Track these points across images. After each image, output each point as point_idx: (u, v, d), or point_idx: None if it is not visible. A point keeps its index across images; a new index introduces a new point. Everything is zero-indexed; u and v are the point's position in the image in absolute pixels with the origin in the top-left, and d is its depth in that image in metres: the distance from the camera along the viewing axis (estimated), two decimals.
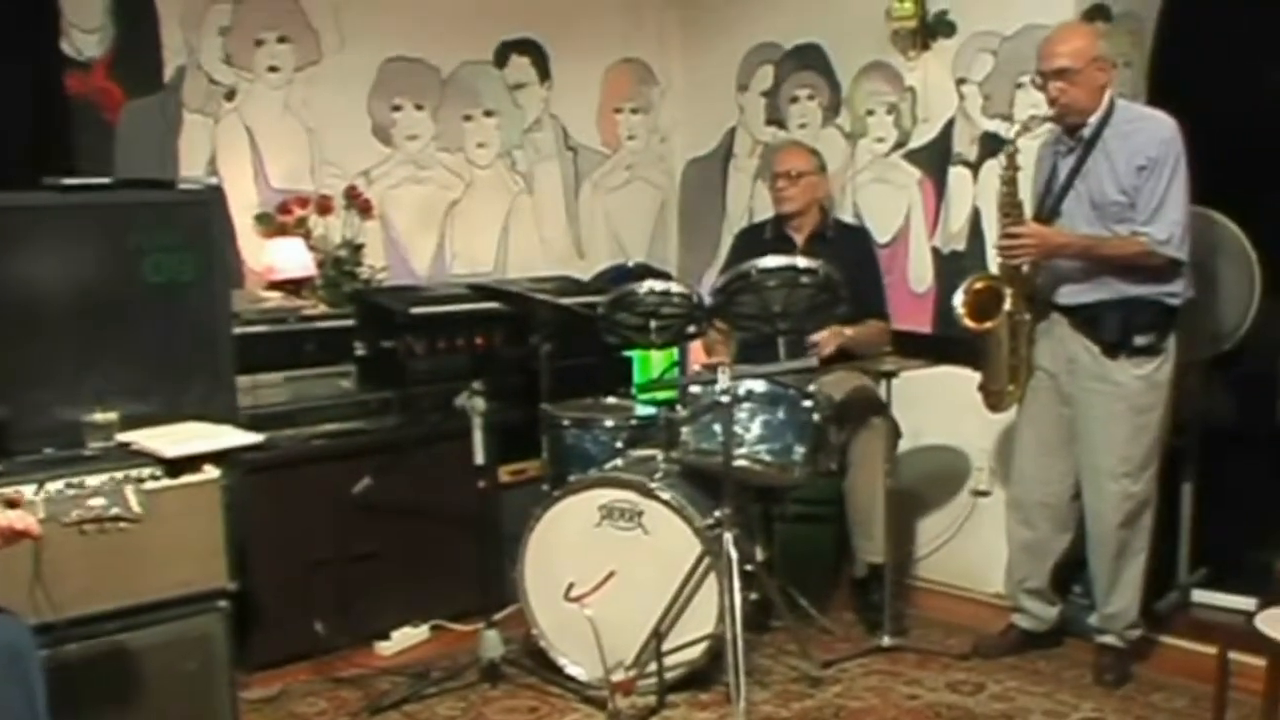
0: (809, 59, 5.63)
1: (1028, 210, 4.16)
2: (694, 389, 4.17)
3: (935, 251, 5.25)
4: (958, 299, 4.18)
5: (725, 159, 6.04)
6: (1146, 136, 3.92)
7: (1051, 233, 4.03)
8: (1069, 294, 4.08)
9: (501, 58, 5.60)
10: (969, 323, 4.15)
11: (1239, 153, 5.95)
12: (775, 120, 5.80)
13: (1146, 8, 4.97)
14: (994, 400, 4.30)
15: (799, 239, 4.89)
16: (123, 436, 3.42)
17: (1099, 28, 4.69)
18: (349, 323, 4.71)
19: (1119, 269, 3.95)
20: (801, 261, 4.17)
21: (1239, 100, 6.52)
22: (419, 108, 5.35)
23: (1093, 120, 4.00)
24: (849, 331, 4.61)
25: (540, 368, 4.43)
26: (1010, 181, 4.11)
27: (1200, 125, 4.17)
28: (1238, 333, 4.66)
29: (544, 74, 5.73)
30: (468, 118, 5.51)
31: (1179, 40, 5.10)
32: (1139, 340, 3.97)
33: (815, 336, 4.53)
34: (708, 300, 4.32)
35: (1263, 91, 6.60)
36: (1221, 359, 4.83)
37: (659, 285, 4.31)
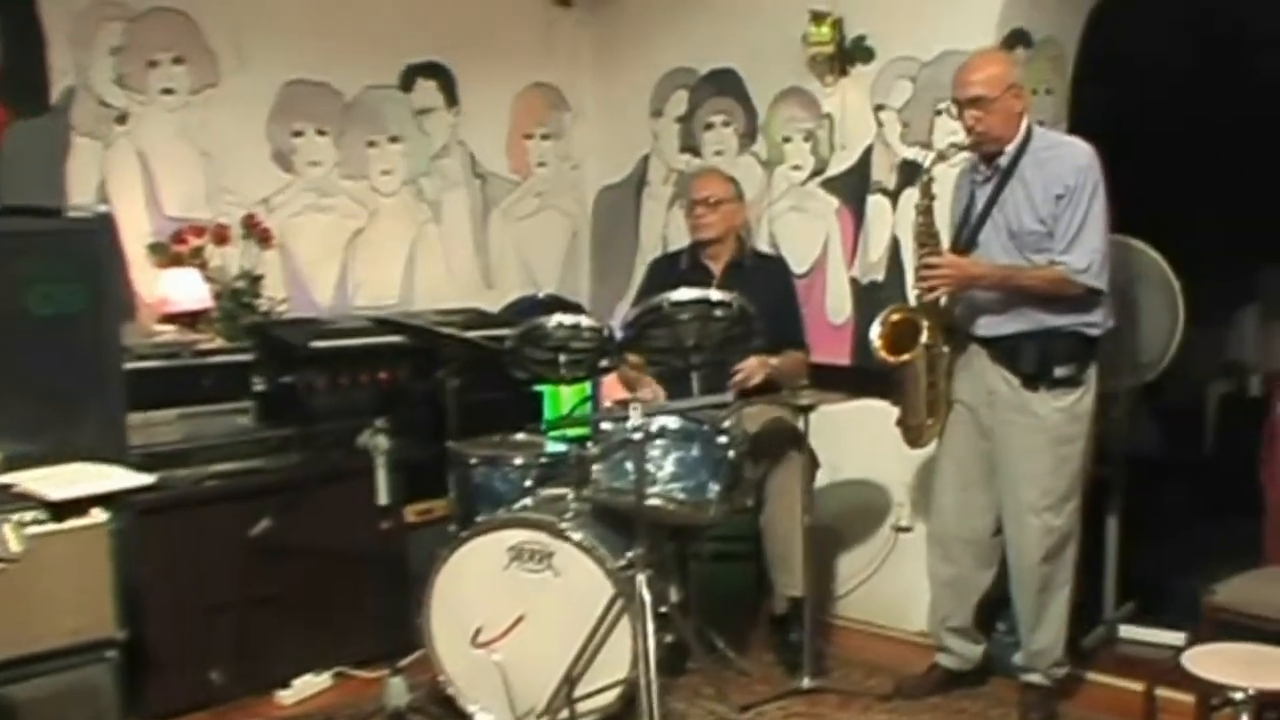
0: (724, 84, 5.68)
1: (945, 240, 4.22)
2: (606, 425, 4.16)
3: (854, 282, 5.30)
4: (874, 332, 4.22)
5: (639, 187, 6.07)
6: (1063, 164, 3.98)
7: (968, 263, 4.08)
8: (987, 325, 4.13)
9: (407, 82, 5.60)
10: (885, 356, 4.19)
11: (1160, 179, 6.13)
12: (690, 147, 5.84)
13: (1067, 34, 5.06)
14: (913, 435, 4.34)
15: (715, 268, 4.92)
16: (4, 479, 3.36)
17: (1018, 55, 4.79)
18: (247, 357, 4.65)
19: (1037, 299, 4.00)
20: (715, 294, 4.17)
21: (1160, 126, 6.72)
22: (321, 133, 5.32)
23: (1009, 148, 4.06)
24: (774, 360, 4.65)
25: (447, 403, 4.40)
26: (926, 211, 4.17)
27: (1122, 152, 4.25)
28: (1161, 362, 4.74)
29: (451, 99, 5.74)
30: (372, 144, 5.50)
31: (1100, 67, 5.22)
32: (1059, 371, 4.03)
33: (741, 366, 4.56)
34: (619, 334, 4.32)
35: (1183, 117, 6.81)
36: (1147, 389, 4.93)
37: (568, 319, 4.30)
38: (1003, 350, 4.10)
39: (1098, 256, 3.96)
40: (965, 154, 4.17)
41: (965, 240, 4.15)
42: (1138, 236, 4.71)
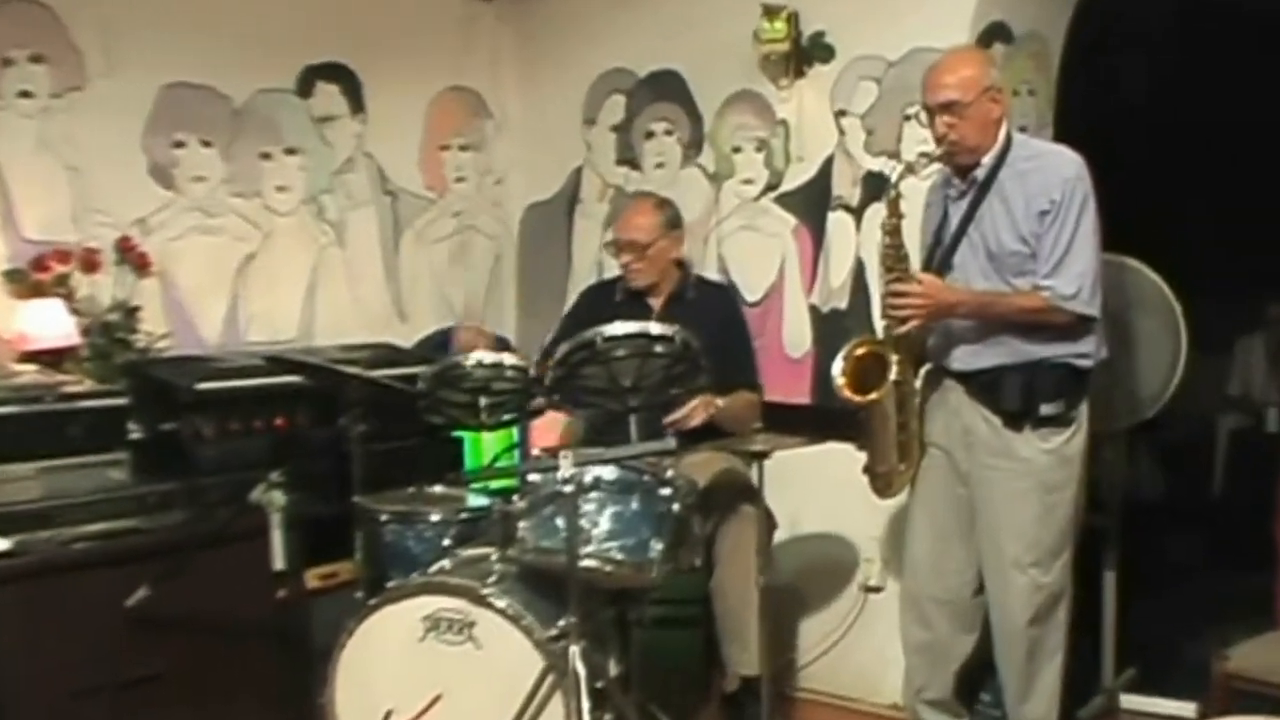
0: (666, 88, 5.72)
1: (915, 263, 4.25)
2: (533, 477, 4.13)
3: (813, 310, 5.35)
4: (837, 367, 4.22)
5: (570, 204, 6.10)
6: (1048, 176, 4.03)
7: (942, 289, 4.11)
8: (964, 358, 4.17)
9: (306, 85, 5.59)
10: (850, 395, 4.20)
11: (1157, 190, 6.20)
12: (628, 159, 5.88)
13: (1052, 27, 5.14)
14: (882, 483, 4.36)
15: (655, 302, 4.95)
16: None
17: (996, 52, 4.85)
18: (121, 401, 4.59)
19: (1020, 328, 4.05)
20: (654, 328, 4.19)
21: (1158, 131, 6.79)
22: (206, 144, 5.30)
23: (986, 159, 4.11)
24: (720, 401, 4.65)
25: (353, 453, 4.38)
26: (893, 231, 4.18)
27: (1113, 160, 4.30)
28: (1162, 396, 4.79)
29: (356, 105, 5.74)
30: (266, 156, 5.49)
31: (1089, 64, 5.29)
32: (1045, 409, 4.06)
33: (683, 409, 4.56)
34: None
35: (1184, 120, 6.87)
36: (1146, 426, 4.97)
37: (489, 356, 4.31)
38: (981, 386, 4.13)
39: (1088, 279, 4.00)
40: (937, 166, 4.22)
41: (938, 263, 4.18)
42: (1133, 255, 4.76)
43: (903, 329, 4.16)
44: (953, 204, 4.18)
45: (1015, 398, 4.06)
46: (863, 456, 4.36)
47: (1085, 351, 4.07)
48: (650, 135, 5.81)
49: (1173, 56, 6.54)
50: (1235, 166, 6.75)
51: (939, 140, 4.08)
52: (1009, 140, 4.13)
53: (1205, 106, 6.80)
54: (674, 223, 5.00)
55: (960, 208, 4.15)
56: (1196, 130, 6.75)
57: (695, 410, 4.58)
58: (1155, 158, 6.13)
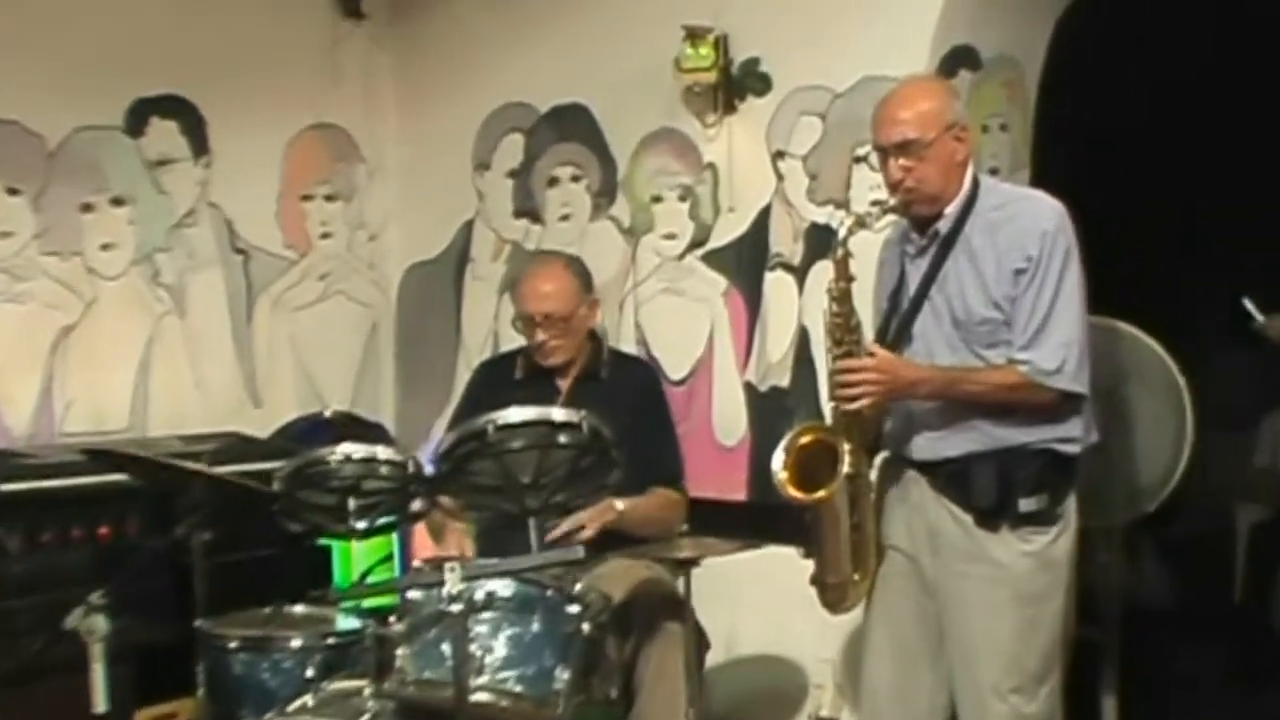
0: (572, 126, 5.75)
1: (868, 333, 4.22)
2: (413, 593, 4.06)
3: (749, 389, 5.36)
4: (778, 459, 4.16)
5: (459, 264, 6.11)
6: (1023, 227, 4.01)
7: (900, 364, 4.08)
8: (927, 445, 4.13)
9: (137, 122, 5.57)
10: (794, 492, 4.14)
11: (1154, 241, 6.24)
12: (527, 210, 5.89)
13: (1026, 51, 5.19)
14: (834, 595, 4.31)
15: (563, 381, 4.94)
16: None
17: (962, 81, 4.90)
18: None
19: (993, 410, 4.03)
20: (557, 414, 4.17)
21: (1154, 171, 6.84)
22: (12, 192, 5.28)
23: (950, 209, 4.09)
24: (621, 505, 4.61)
25: (195, 566, 4.31)
26: (842, 296, 4.14)
27: (1101, 207, 4.31)
28: (1167, 485, 4.79)
29: (199, 146, 5.73)
30: (87, 207, 5.46)
31: (1072, 92, 5.32)
32: (1025, 504, 4.02)
33: (571, 520, 4.54)
34: (430, 468, 4.27)
35: (1186, 158, 6.92)
36: (1149, 520, 4.98)
37: (359, 449, 4.23)
38: (949, 478, 4.10)
39: (1073, 350, 3.99)
40: (892, 217, 4.20)
41: (895, 333, 4.15)
42: (1127, 319, 4.79)
43: (854, 408, 4.12)
44: (911, 263, 4.16)
45: (989, 492, 4.02)
46: (810, 564, 4.31)
47: (1072, 435, 4.04)
48: (554, 182, 5.84)
49: (1172, 82, 6.57)
50: (1252, 209, 6.75)
51: (893, 187, 4.06)
52: (976, 186, 4.11)
53: (1213, 140, 6.79)
54: (588, 284, 4.99)
55: (920, 267, 4.13)
56: (1201, 169, 6.77)
57: (588, 520, 4.56)
58: (1152, 203, 6.15)
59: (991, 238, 4.03)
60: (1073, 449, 4.06)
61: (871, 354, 4.07)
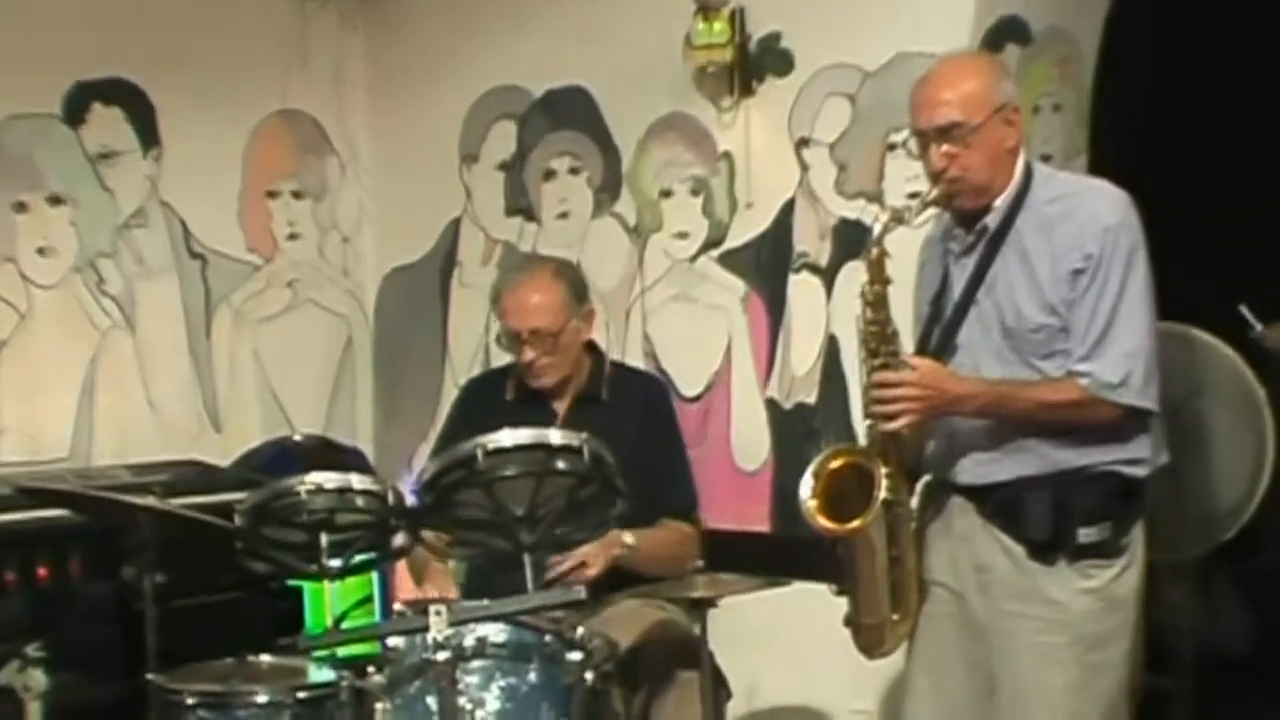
0: (570, 112, 5.75)
1: (907, 343, 4.19)
2: (395, 640, 4.05)
3: (772, 406, 5.36)
4: (806, 486, 4.13)
5: (445, 269, 6.10)
6: (1082, 223, 3.99)
7: (945, 377, 4.05)
8: (974, 469, 4.11)
9: (76, 109, 5.57)
10: (825, 522, 4.10)
11: (1229, 235, 6.18)
12: (521, 208, 5.89)
13: (1082, 22, 5.18)
14: (871, 638, 4.27)
15: (559, 403, 4.92)
16: None
17: (1009, 56, 4.87)
18: None
19: (1049, 429, 4.00)
20: (555, 436, 4.16)
21: (1229, 157, 6.77)
22: None
23: (1000, 202, 4.06)
24: (629, 539, 4.60)
25: (145, 613, 4.28)
26: (877, 301, 4.12)
27: (1168, 200, 4.26)
28: (1245, 511, 4.78)
29: (148, 136, 5.73)
30: (20, 207, 5.47)
31: (1135, 70, 5.27)
32: (1085, 535, 3.99)
33: (574, 555, 4.51)
34: (413, 499, 4.25)
35: (1267, 142, 6.83)
36: (1226, 551, 4.97)
37: (331, 479, 4.18)
38: (999, 506, 4.08)
39: (1139, 360, 3.96)
40: (933, 212, 4.18)
41: (938, 342, 4.14)
42: (1200, 325, 4.77)
43: (893, 428, 4.08)
44: (955, 263, 4.14)
45: (1044, 521, 4.00)
46: (844, 604, 4.27)
47: (1138, 456, 4.02)
48: (550, 175, 5.84)
49: (1255, 58, 6.49)
50: None
51: (935, 176, 4.03)
52: (1029, 175, 4.09)
53: None
54: (581, 294, 4.95)
55: (965, 267, 4.11)
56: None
57: (590, 558, 4.53)
58: (1225, 192, 6.08)
59: (1047, 235, 4.01)
60: (1140, 472, 4.05)
61: (912, 366, 4.04)
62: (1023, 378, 4.03)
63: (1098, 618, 4.02)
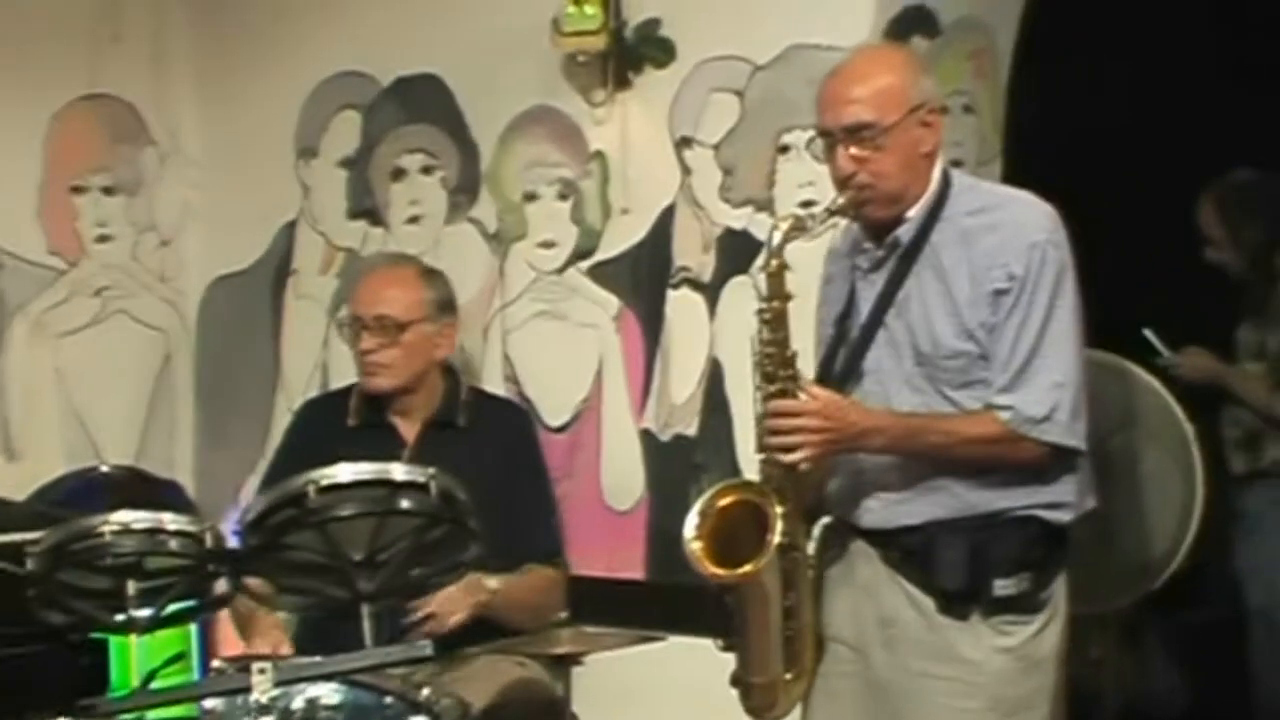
0: (423, 103, 5.70)
1: (808, 368, 4.14)
2: (212, 703, 3.97)
3: (647, 438, 5.34)
4: (691, 526, 4.07)
5: (278, 278, 6.02)
6: (1006, 238, 3.97)
7: (849, 408, 4.00)
8: (882, 511, 4.06)
9: None
10: (711, 568, 4.04)
11: (1156, 251, 6.17)
12: (365, 210, 5.83)
13: (999, 12, 5.19)
14: (761, 699, 4.19)
15: (407, 429, 4.86)
16: None
17: (917, 49, 4.86)
18: None
19: (964, 467, 3.98)
20: (399, 471, 4.07)
21: (1160, 162, 6.78)
22: None
23: (914, 212, 4.03)
24: (493, 584, 4.56)
25: None
26: (776, 321, 4.06)
27: (1094, 212, 4.24)
28: (1173, 559, 4.81)
29: None
30: None
31: (1056, 66, 5.23)
32: (1001, 587, 3.95)
33: (428, 604, 4.47)
34: (236, 541, 4.15)
35: (1197, 144, 6.85)
36: (1155, 601, 5.02)
37: (140, 517, 4.02)
38: (908, 552, 4.03)
39: (1067, 394, 3.93)
40: (837, 221, 4.12)
41: (843, 368, 4.10)
42: (1129, 355, 4.84)
43: (789, 462, 4.02)
44: (863, 279, 4.10)
45: (958, 570, 3.96)
46: (730, 660, 4.20)
47: (1062, 500, 3.99)
48: (400, 174, 5.79)
49: (1192, 44, 6.52)
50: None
51: (842, 182, 3.98)
52: (947, 184, 4.07)
53: (1233, 123, 6.69)
54: (445, 306, 4.94)
55: (874, 285, 4.07)
56: (1217, 154, 6.70)
57: (448, 604, 4.48)
58: (1157, 203, 6.08)
59: (966, 250, 4.00)
60: (1064, 517, 4.03)
61: (812, 395, 4.01)
62: (937, 409, 4.01)
63: (1014, 680, 4.00)
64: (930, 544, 3.98)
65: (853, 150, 3.95)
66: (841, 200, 3.98)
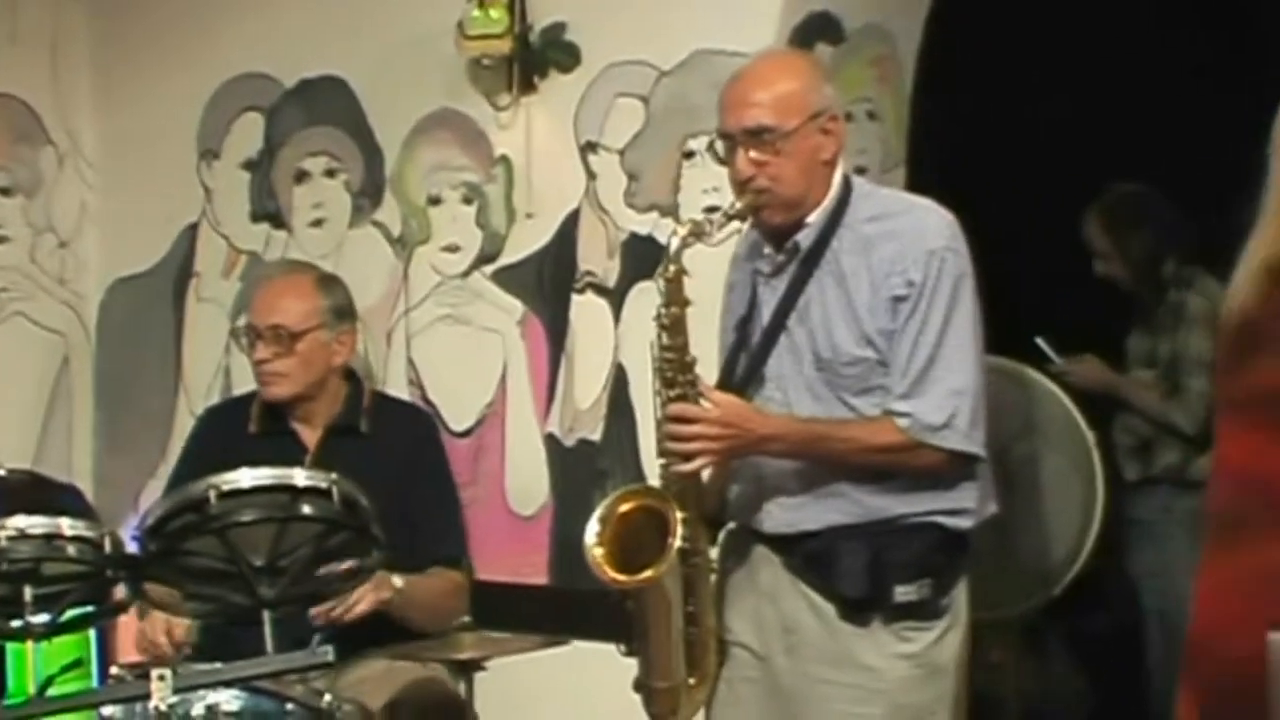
0: (327, 105, 5.71)
1: (709, 373, 4.16)
2: (110, 710, 3.96)
3: (552, 443, 5.37)
4: (592, 533, 4.08)
5: (179, 281, 6.00)
6: (905, 245, 4.00)
7: (749, 414, 4.03)
8: (782, 516, 4.08)
9: None
10: (612, 573, 4.05)
11: (1058, 257, 6.24)
12: (268, 213, 5.83)
13: (903, 20, 5.23)
14: (663, 704, 4.20)
15: (309, 434, 4.85)
16: None
17: (819, 58, 4.88)
18: None
19: (864, 473, 4.01)
20: (301, 477, 4.08)
21: (1064, 170, 6.85)
22: None
23: (814, 218, 4.05)
24: (399, 582, 4.53)
25: None
26: (675, 327, 4.07)
27: (996, 219, 4.24)
28: (1075, 563, 4.86)
29: None
30: None
31: (959, 73, 5.27)
32: (902, 593, 3.98)
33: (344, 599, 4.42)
34: (135, 547, 4.15)
35: (1103, 150, 6.92)
36: (1057, 608, 5.07)
37: (36, 523, 4.02)
38: (808, 558, 4.05)
39: (966, 400, 3.97)
40: (736, 226, 4.16)
41: (744, 373, 4.13)
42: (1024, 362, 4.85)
43: (689, 469, 4.05)
44: (764, 284, 4.14)
45: (858, 576, 4.00)
46: (633, 665, 4.22)
47: (963, 506, 4.04)
48: (303, 177, 5.79)
49: (1086, 58, 6.59)
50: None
51: (741, 185, 4.00)
52: (847, 190, 4.10)
53: (1137, 126, 6.79)
54: (342, 312, 4.91)
55: (775, 290, 4.09)
56: (1120, 159, 6.76)
57: (357, 596, 4.44)
58: (1052, 210, 6.14)
59: (866, 257, 4.03)
60: (964, 523, 4.06)
61: (713, 401, 4.03)
62: (838, 416, 4.04)
63: (915, 687, 4.03)
64: (831, 550, 4.00)
65: (752, 154, 3.97)
66: (739, 204, 4.01)
